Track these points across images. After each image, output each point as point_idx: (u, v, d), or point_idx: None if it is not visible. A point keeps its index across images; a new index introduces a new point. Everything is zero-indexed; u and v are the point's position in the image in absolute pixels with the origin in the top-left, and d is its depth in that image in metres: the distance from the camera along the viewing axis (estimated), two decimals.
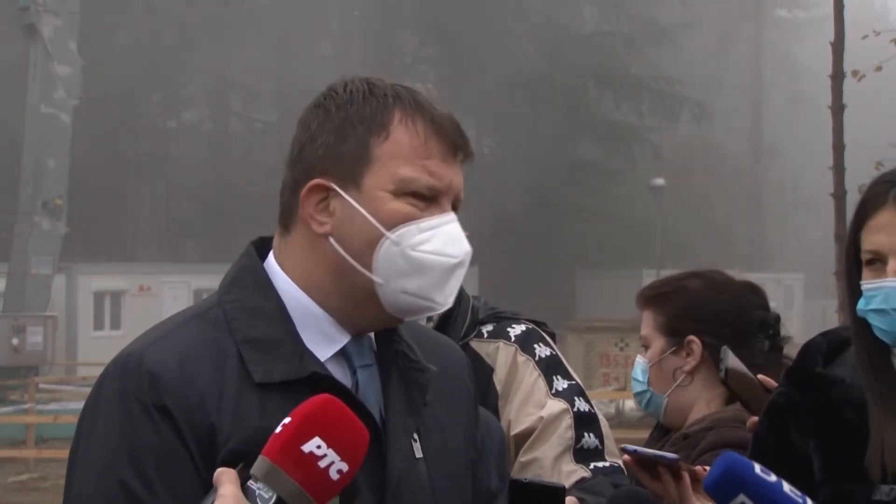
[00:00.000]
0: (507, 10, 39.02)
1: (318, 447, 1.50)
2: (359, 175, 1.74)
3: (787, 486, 1.80)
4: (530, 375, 2.55)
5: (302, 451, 1.50)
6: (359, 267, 1.74)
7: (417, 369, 1.83)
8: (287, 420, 1.52)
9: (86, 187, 32.35)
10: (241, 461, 1.55)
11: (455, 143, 1.78)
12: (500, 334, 2.62)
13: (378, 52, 39.61)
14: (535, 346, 2.60)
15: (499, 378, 2.56)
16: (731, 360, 2.51)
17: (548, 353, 2.60)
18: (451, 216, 1.77)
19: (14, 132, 27.77)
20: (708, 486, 1.82)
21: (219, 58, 41.52)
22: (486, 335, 2.62)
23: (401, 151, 1.74)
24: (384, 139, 1.74)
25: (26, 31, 24.97)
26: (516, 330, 2.62)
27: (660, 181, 33.26)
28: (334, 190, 1.75)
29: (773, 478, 1.80)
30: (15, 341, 23.83)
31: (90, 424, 1.71)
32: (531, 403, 2.52)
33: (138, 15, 36.74)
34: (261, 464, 1.51)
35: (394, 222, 1.73)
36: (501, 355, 2.59)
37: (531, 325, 2.66)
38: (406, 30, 43.76)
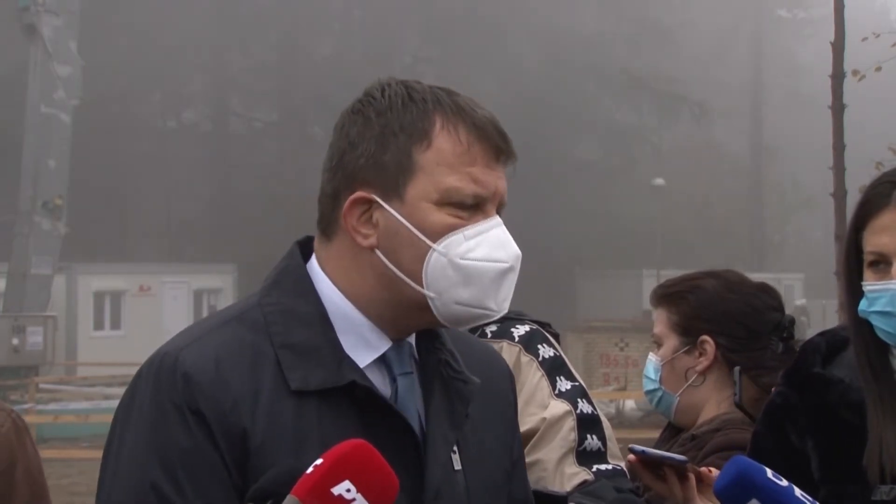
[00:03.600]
0: (507, 10, 39.03)
1: (348, 490, 1.50)
2: (402, 185, 1.69)
3: (798, 491, 1.77)
4: (533, 376, 2.54)
5: (331, 494, 1.49)
6: (409, 282, 1.70)
7: (461, 380, 1.80)
8: (318, 461, 1.51)
9: (86, 187, 32.35)
10: (270, 499, 1.56)
11: (498, 148, 1.73)
12: (503, 334, 2.59)
13: (378, 52, 39.58)
14: (539, 346, 2.58)
15: None
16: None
17: (551, 354, 2.58)
18: (497, 220, 1.73)
19: (14, 132, 27.76)
20: (719, 490, 1.79)
21: (219, 58, 41.55)
22: (489, 335, 2.60)
23: (444, 159, 1.69)
24: (426, 147, 1.70)
25: (26, 31, 25.00)
26: (520, 330, 2.60)
27: (660, 181, 33.32)
28: (377, 202, 1.71)
29: (784, 482, 1.77)
30: (15, 341, 23.85)
31: (124, 424, 1.70)
32: (534, 404, 2.50)
33: (138, 15, 36.70)
34: (290, 503, 1.50)
35: (439, 233, 1.69)
36: (505, 356, 2.55)
37: (535, 326, 2.63)
38: (406, 30, 43.74)
